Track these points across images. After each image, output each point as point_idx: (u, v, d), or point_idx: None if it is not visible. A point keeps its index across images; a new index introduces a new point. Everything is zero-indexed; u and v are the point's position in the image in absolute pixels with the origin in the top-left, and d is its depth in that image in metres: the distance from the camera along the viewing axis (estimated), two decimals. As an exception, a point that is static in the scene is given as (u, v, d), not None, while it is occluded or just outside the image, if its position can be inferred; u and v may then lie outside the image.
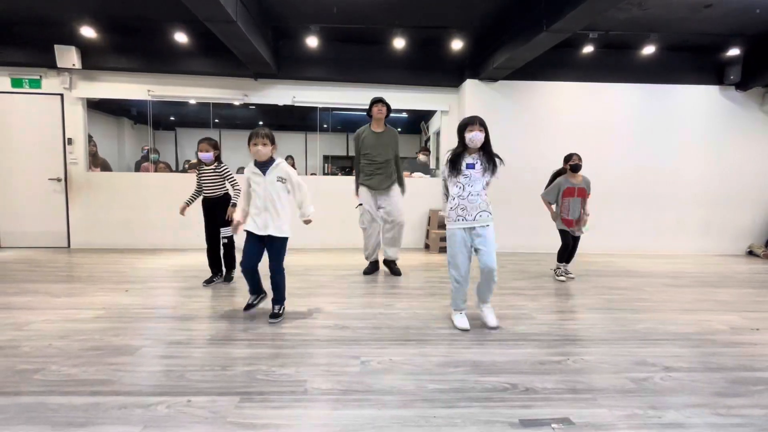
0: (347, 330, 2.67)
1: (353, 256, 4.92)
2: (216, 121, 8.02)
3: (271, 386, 1.93)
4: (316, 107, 6.08)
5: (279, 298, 2.88)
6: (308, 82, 5.74)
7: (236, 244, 3.64)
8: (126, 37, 5.27)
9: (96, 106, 6.17)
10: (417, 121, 8.12)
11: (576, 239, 4.15)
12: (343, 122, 8.50)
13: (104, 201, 5.55)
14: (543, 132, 5.74)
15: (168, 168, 6.37)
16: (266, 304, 3.00)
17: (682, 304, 3.40)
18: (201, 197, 3.71)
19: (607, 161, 5.70)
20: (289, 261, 2.91)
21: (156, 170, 6.10)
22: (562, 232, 4.16)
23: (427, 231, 5.98)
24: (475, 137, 2.65)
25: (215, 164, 3.61)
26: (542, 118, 5.75)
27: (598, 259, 5.31)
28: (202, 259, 3.69)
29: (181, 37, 5.02)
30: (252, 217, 2.78)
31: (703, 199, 5.92)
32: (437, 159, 6.55)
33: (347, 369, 2.12)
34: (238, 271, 3.49)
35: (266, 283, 2.91)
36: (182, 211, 3.64)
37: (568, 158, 4.06)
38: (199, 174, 3.66)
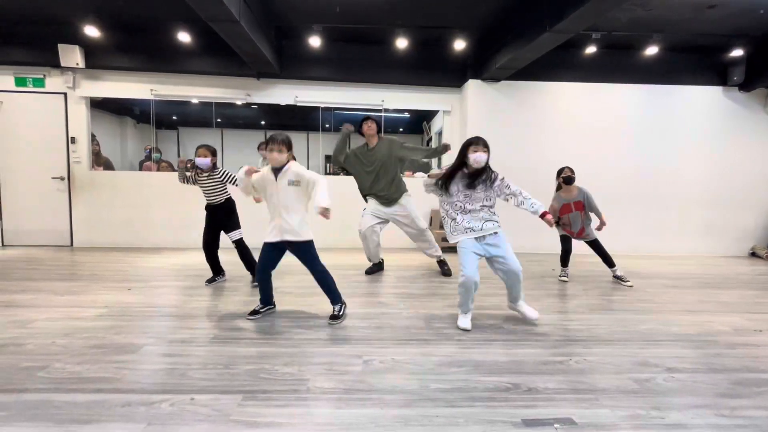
0: (349, 329, 2.67)
1: (354, 256, 4.92)
2: (218, 120, 8.03)
3: (273, 385, 1.94)
4: (319, 107, 6.08)
5: (334, 298, 2.86)
6: (311, 81, 5.74)
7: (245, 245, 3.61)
8: (129, 37, 5.28)
9: (99, 105, 6.17)
10: (419, 121, 8.12)
11: (594, 242, 4.09)
12: (345, 122, 8.47)
13: (107, 200, 5.56)
14: (545, 132, 5.73)
15: (170, 167, 6.38)
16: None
17: (684, 305, 3.39)
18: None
19: (610, 162, 5.68)
20: (289, 261, 2.91)
21: (158, 169, 6.12)
22: (562, 238, 4.17)
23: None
24: (479, 158, 2.66)
25: (212, 170, 3.53)
26: (545, 119, 5.74)
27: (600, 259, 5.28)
28: (204, 259, 3.69)
29: (184, 37, 5.03)
30: (269, 224, 2.77)
31: (705, 200, 5.90)
32: (439, 159, 6.54)
33: (349, 368, 2.12)
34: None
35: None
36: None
37: (560, 172, 4.03)
38: (197, 182, 3.59)
